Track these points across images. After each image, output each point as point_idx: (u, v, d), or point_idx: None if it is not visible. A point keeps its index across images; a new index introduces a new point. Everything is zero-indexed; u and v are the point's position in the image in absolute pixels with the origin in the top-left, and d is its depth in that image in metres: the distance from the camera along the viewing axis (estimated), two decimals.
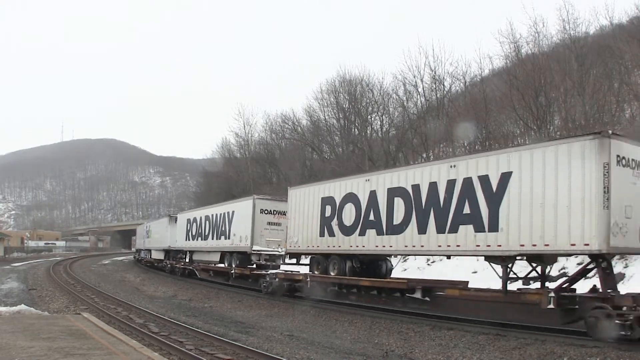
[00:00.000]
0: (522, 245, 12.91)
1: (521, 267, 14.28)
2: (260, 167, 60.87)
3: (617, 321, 11.13)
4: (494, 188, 13.65)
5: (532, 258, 13.56)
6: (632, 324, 10.94)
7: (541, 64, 29.77)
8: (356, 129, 48.78)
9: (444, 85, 40.16)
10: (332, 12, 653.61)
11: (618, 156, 11.91)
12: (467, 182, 14.43)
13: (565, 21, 30.15)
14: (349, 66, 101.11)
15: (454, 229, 14.67)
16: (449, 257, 18.17)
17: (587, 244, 11.63)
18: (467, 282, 17.03)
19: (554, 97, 30.04)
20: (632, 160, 12.19)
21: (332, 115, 51.21)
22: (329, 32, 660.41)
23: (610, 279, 12.39)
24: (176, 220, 38.87)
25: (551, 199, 12.35)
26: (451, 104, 39.94)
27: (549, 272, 14.39)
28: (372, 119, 47.76)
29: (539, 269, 13.92)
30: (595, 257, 12.16)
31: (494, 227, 13.57)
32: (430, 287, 16.48)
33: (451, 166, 15.13)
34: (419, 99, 42.13)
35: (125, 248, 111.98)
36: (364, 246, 18.01)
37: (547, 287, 13.61)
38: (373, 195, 17.76)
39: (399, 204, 16.64)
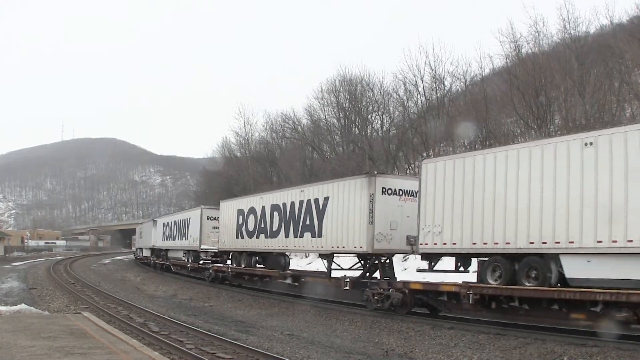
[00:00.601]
0: (335, 247, 18.84)
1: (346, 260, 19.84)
2: (261, 167, 60.84)
3: (376, 298, 16.53)
4: (320, 207, 19.57)
5: (344, 254, 19.49)
6: (384, 300, 16.22)
7: (541, 63, 29.75)
8: (356, 129, 48.77)
9: (444, 84, 40.18)
10: (332, 12, 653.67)
11: (383, 188, 17.27)
12: (308, 202, 20.30)
13: (565, 20, 30.14)
14: (350, 65, 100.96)
15: (302, 235, 20.68)
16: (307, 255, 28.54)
17: (361, 247, 17.51)
18: (326, 272, 19.98)
19: (554, 97, 30.02)
20: (399, 189, 17.51)
21: (333, 114, 51.25)
22: (329, 32, 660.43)
23: (389, 270, 18.13)
24: (156, 224, 44.63)
25: (348, 216, 18.06)
26: (451, 104, 39.92)
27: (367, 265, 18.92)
28: (373, 118, 47.80)
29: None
30: (365, 256, 18.26)
31: (320, 234, 19.51)
32: (297, 276, 22.10)
33: (301, 190, 21.35)
34: (420, 99, 42.16)
35: (125, 247, 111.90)
36: (258, 246, 24.37)
37: (345, 275, 18.64)
38: (263, 209, 23.86)
39: (275, 216, 22.77)
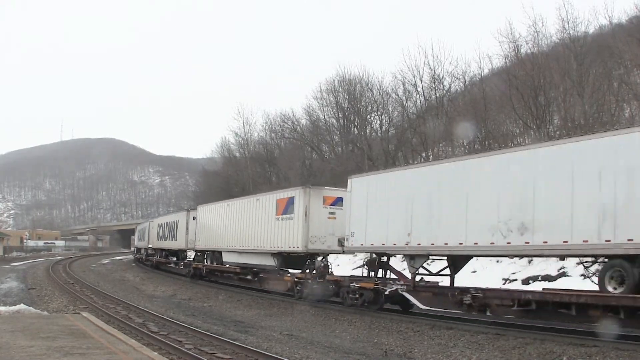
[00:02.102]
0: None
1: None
2: (260, 167, 60.84)
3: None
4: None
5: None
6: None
7: (540, 63, 29.75)
8: (355, 129, 48.78)
9: (443, 84, 40.17)
10: (332, 12, 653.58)
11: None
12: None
13: (564, 21, 30.12)
14: (349, 66, 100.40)
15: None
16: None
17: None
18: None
19: (553, 97, 30.01)
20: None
21: (332, 114, 51.26)
22: (329, 32, 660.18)
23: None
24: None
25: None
26: (450, 104, 39.91)
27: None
28: (372, 118, 47.80)
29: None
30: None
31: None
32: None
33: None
34: (419, 99, 42.16)
35: (124, 247, 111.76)
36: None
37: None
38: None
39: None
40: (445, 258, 15.89)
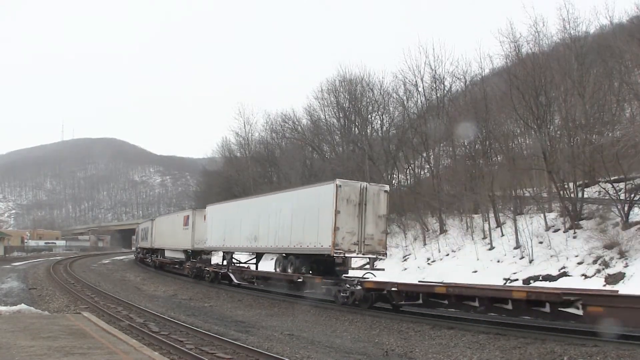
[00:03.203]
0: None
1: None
2: (261, 167, 60.86)
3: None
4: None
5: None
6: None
7: (541, 63, 29.70)
8: (356, 129, 48.76)
9: (444, 84, 40.17)
10: (332, 12, 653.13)
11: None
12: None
13: (565, 20, 30.07)
14: (349, 65, 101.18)
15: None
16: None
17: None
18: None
19: (554, 97, 29.98)
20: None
21: (333, 114, 51.25)
22: (329, 32, 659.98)
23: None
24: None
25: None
26: (451, 104, 39.90)
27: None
28: (373, 118, 47.78)
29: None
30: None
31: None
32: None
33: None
34: (419, 99, 42.15)
35: (125, 247, 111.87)
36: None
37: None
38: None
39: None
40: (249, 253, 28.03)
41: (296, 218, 21.14)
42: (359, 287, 17.87)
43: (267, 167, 60.24)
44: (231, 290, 26.13)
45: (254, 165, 60.71)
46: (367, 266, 21.51)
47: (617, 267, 20.64)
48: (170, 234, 39.42)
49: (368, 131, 47.23)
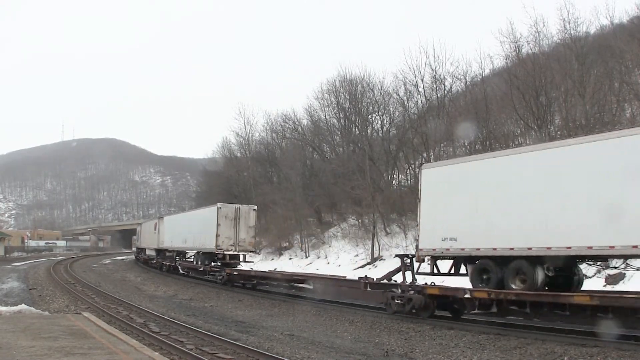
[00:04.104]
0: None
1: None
2: (261, 167, 60.88)
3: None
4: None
5: None
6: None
7: (542, 63, 29.72)
8: (357, 129, 48.78)
9: (444, 84, 40.08)
10: (333, 13, 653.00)
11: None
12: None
13: (565, 21, 30.09)
14: (350, 66, 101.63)
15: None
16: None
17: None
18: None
19: (554, 97, 29.99)
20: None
21: (333, 114, 51.27)
22: (329, 32, 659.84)
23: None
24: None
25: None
26: (452, 104, 39.88)
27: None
28: (373, 118, 47.79)
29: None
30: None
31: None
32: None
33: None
34: (420, 99, 42.09)
35: (125, 248, 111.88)
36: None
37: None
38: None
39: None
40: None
41: (199, 228, 32.15)
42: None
43: (268, 167, 60.26)
44: (231, 290, 26.16)
45: (255, 165, 60.73)
46: (247, 262, 30.47)
47: (617, 268, 20.56)
48: (148, 236, 48.40)
49: (368, 131, 47.26)
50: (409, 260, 16.82)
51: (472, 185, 14.75)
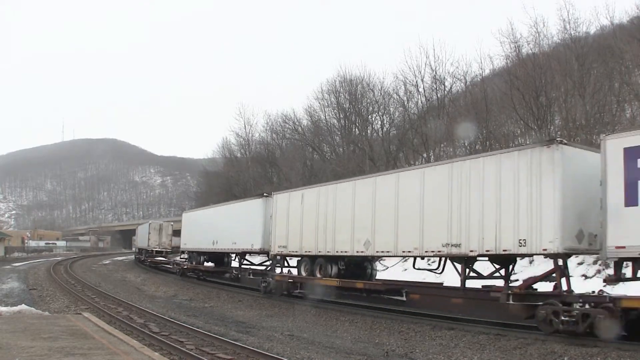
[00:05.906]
0: None
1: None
2: (261, 167, 60.83)
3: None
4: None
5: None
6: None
7: (542, 63, 29.72)
8: (357, 129, 48.74)
9: (444, 85, 40.11)
10: (332, 13, 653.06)
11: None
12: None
13: (565, 21, 30.13)
14: (350, 66, 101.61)
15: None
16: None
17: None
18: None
19: (554, 97, 29.99)
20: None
21: (333, 115, 51.22)
22: (329, 33, 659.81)
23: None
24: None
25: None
26: (452, 104, 39.87)
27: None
28: (373, 118, 47.73)
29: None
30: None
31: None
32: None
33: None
34: (420, 99, 42.10)
35: (125, 248, 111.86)
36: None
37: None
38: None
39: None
40: None
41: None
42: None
43: (268, 167, 60.21)
44: (232, 290, 26.15)
45: (255, 165, 60.70)
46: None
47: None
48: (141, 238, 53.45)
49: (368, 132, 47.22)
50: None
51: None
